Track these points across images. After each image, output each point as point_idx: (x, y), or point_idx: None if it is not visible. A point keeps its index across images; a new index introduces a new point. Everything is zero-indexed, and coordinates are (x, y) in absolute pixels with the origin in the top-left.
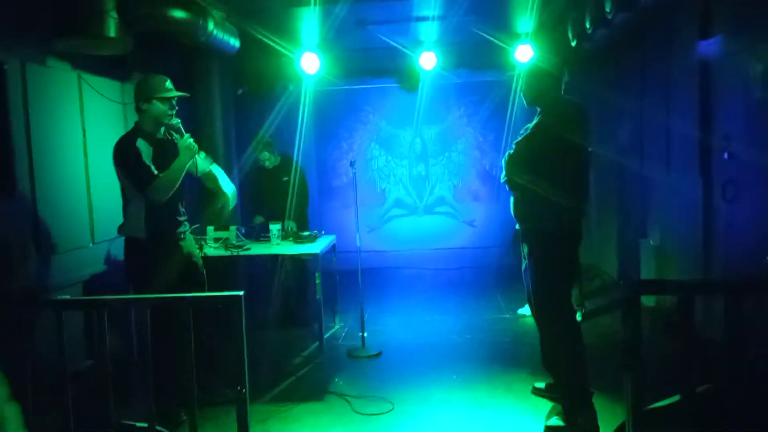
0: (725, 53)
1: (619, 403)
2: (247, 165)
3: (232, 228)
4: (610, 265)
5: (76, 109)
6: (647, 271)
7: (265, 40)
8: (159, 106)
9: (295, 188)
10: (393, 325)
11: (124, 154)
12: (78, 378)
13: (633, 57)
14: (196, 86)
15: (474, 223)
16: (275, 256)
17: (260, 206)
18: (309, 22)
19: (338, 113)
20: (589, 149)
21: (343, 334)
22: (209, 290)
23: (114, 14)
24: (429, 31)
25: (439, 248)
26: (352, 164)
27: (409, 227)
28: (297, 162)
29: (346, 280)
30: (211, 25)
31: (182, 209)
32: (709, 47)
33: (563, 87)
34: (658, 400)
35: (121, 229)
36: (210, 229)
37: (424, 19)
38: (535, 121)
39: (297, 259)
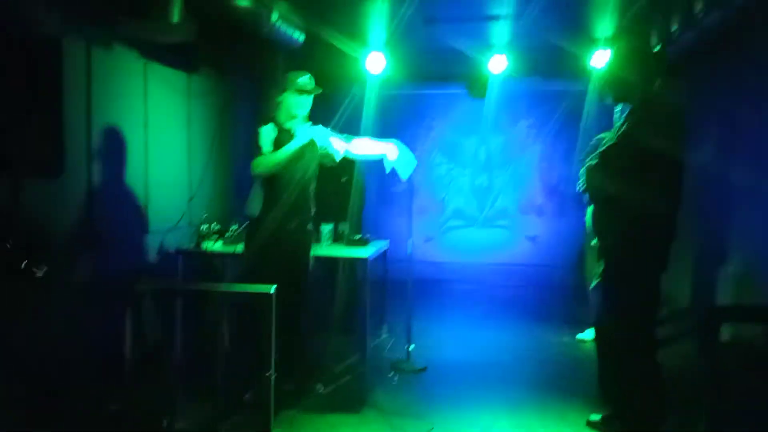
0: None
1: None
2: None
3: None
4: (681, 294)
5: (140, 98)
6: (723, 301)
7: (330, 37)
8: (291, 99)
9: (355, 190)
10: (442, 339)
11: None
12: None
13: (725, 60)
14: (262, 81)
15: (536, 239)
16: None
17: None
18: (375, 18)
19: (402, 118)
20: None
21: (389, 346)
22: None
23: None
24: (500, 33)
25: (497, 263)
26: None
27: (467, 239)
28: (357, 163)
29: (398, 290)
30: (274, 17)
31: (307, 204)
32: None
33: (658, 81)
34: None
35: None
36: None
37: (496, 18)
38: (623, 128)
39: (347, 265)
